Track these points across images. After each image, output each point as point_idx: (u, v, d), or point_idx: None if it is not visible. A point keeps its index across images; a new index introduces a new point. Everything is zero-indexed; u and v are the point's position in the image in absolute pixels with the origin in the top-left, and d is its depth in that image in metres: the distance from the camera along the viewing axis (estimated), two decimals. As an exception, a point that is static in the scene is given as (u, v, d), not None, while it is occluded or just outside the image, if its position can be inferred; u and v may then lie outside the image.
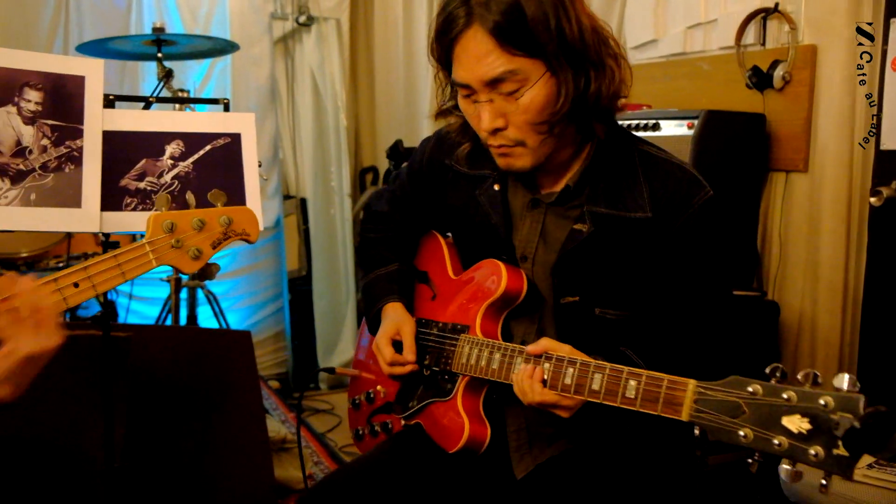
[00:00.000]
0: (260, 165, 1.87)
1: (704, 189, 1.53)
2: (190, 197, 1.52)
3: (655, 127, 2.74)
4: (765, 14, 2.77)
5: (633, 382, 1.33)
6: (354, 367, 2.02)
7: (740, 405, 1.19)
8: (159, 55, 3.05)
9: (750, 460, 1.19)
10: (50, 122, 1.75)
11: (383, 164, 4.59)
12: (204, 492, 2.38)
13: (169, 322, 3.40)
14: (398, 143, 3.81)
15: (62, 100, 1.76)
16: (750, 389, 1.19)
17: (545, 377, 1.44)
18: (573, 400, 1.42)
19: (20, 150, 1.72)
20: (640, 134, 2.76)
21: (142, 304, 4.06)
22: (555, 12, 1.40)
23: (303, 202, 4.67)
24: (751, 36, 2.82)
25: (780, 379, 1.18)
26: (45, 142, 1.74)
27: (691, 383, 1.26)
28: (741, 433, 1.18)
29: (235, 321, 4.26)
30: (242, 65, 4.25)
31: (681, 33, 3.12)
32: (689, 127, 2.63)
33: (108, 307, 1.94)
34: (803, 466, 1.13)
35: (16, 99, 1.72)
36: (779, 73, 2.69)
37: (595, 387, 1.38)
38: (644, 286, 1.55)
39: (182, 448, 2.38)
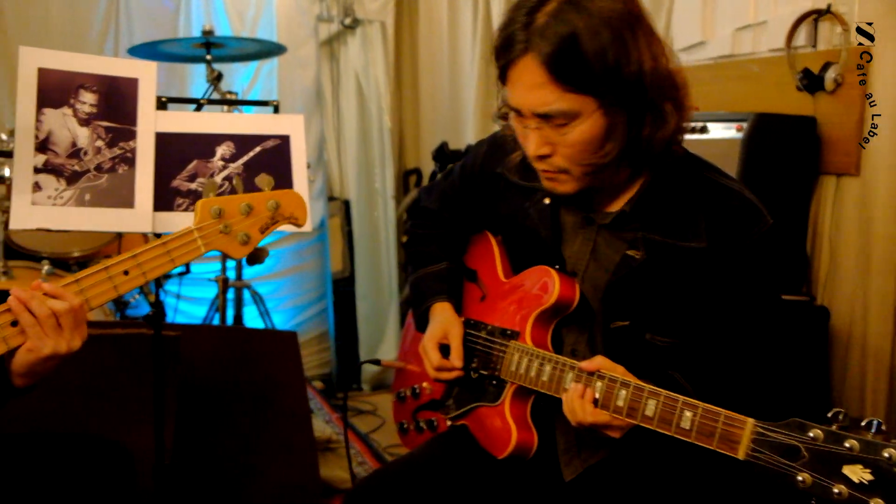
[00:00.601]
0: (309, 167, 1.89)
1: (763, 219, 1.49)
2: (237, 182, 1.52)
3: (703, 130, 2.70)
4: (816, 15, 2.72)
5: (688, 413, 1.32)
6: (401, 360, 2.02)
7: (800, 449, 1.18)
8: (208, 57, 3.08)
9: None
10: (104, 123, 1.78)
11: (427, 167, 4.60)
12: (250, 490, 2.41)
13: (216, 322, 3.44)
14: (444, 146, 3.81)
15: (116, 102, 1.79)
16: (811, 434, 1.18)
17: (597, 396, 1.43)
18: (624, 422, 1.40)
19: (75, 152, 1.75)
20: (686, 136, 2.74)
21: (189, 304, 4.12)
22: (615, 49, 1.36)
23: (346, 204, 4.70)
24: (801, 38, 2.78)
25: (842, 424, 1.16)
26: (99, 143, 1.77)
27: (749, 422, 1.25)
28: (799, 478, 1.17)
29: (280, 322, 4.30)
30: (288, 67, 4.29)
31: (729, 35, 3.08)
32: (738, 130, 2.59)
33: (159, 307, 1.97)
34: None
35: (71, 101, 1.76)
36: (830, 75, 2.64)
37: (648, 413, 1.36)
38: (696, 314, 1.53)
39: (229, 446, 2.41)
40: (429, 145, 4.49)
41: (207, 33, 3.07)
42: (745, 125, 2.58)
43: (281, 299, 4.41)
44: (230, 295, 3.54)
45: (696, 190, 1.52)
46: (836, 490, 1.13)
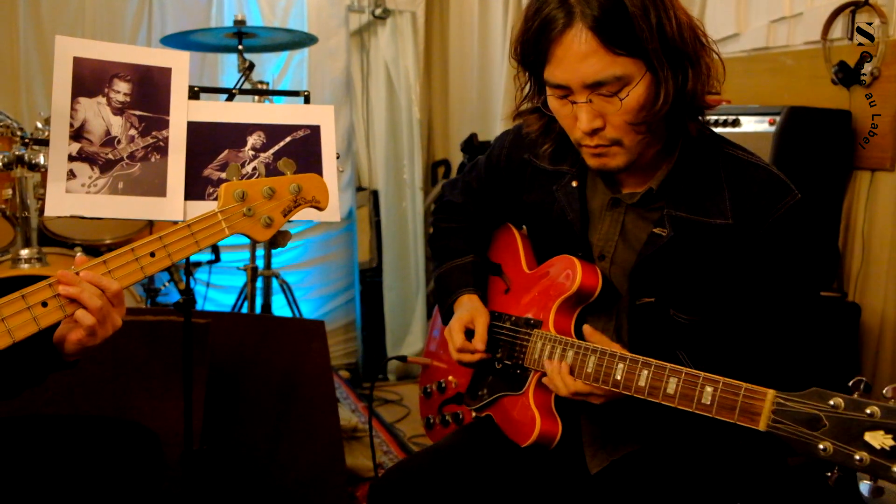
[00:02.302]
0: (338, 157, 1.89)
1: (791, 193, 1.49)
2: (259, 166, 1.54)
3: (735, 123, 2.68)
4: (854, 7, 2.68)
5: (709, 389, 1.31)
6: (426, 357, 2.03)
7: (821, 418, 1.17)
8: (240, 47, 3.10)
9: (829, 473, 1.17)
10: (137, 112, 1.79)
11: (456, 158, 4.59)
12: (276, 477, 2.43)
13: (244, 310, 3.47)
14: (473, 137, 3.80)
15: (149, 91, 1.80)
16: (832, 402, 1.17)
17: (589, 370, 1.48)
18: (607, 391, 1.45)
19: (109, 140, 1.77)
20: (718, 130, 2.72)
21: (218, 293, 4.16)
22: (654, 9, 1.38)
23: (375, 194, 4.71)
24: (838, 30, 2.74)
25: (863, 392, 1.16)
26: (132, 132, 1.78)
27: (770, 393, 1.24)
28: (821, 446, 1.16)
29: (307, 311, 4.33)
30: (319, 57, 4.30)
31: (764, 27, 3.05)
32: (771, 123, 2.57)
33: (189, 294, 1.99)
34: (885, 483, 1.11)
35: (106, 90, 1.77)
36: (867, 68, 2.61)
37: (670, 391, 1.36)
38: (723, 292, 1.53)
39: (256, 433, 2.43)
40: (458, 136, 4.49)
41: (239, 23, 3.08)
42: (777, 119, 2.55)
43: (309, 288, 4.43)
44: (259, 283, 3.56)
45: (720, 166, 1.53)
46: (857, 457, 1.13)
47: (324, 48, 4.24)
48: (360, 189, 4.66)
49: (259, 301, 3.58)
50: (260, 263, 3.59)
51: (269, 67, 4.27)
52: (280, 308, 3.82)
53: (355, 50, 4.58)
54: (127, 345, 2.13)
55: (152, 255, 1.40)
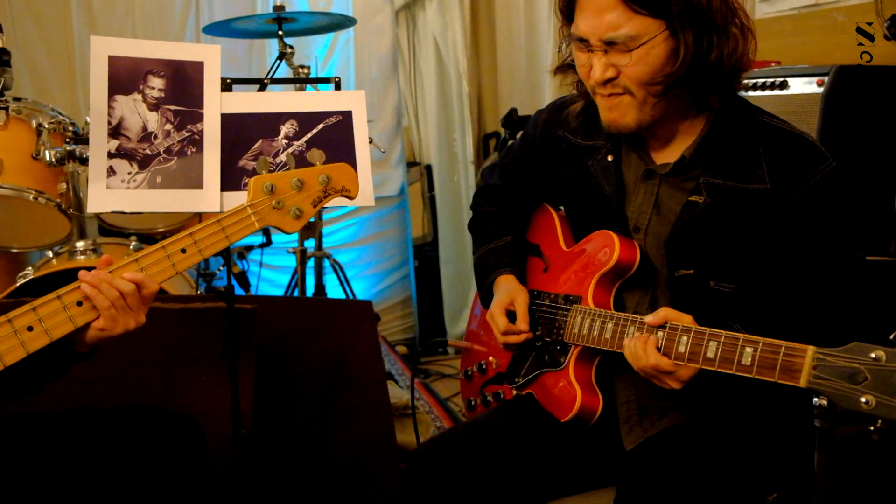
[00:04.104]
0: (371, 141, 1.91)
1: (826, 160, 1.48)
2: (288, 157, 1.56)
3: (783, 85, 2.60)
4: (906, -42, 2.57)
5: (749, 349, 1.31)
6: (467, 339, 2.05)
7: (862, 371, 1.17)
8: (280, 33, 3.14)
9: (872, 428, 1.17)
10: (172, 107, 1.84)
11: (505, 131, 4.57)
12: (328, 456, 2.48)
13: (297, 292, 3.53)
14: (513, 112, 3.79)
15: (183, 85, 1.85)
16: (873, 356, 1.16)
17: (659, 346, 1.43)
18: (687, 369, 1.40)
19: (146, 136, 1.82)
20: (766, 93, 2.65)
21: (273, 273, 4.23)
22: None
23: (428, 169, 4.72)
24: (891, -18, 2.63)
25: None
26: (168, 126, 1.83)
27: (810, 349, 1.24)
28: (863, 399, 1.16)
29: (362, 289, 4.37)
30: (364, 36, 4.31)
31: (814, -18, 2.95)
32: (819, 84, 2.49)
33: (241, 278, 2.03)
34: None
35: (141, 86, 1.82)
36: (921, 22, 2.50)
37: (710, 354, 1.36)
38: (761, 259, 1.52)
39: (306, 414, 2.48)
40: (507, 108, 4.46)
41: (279, 8, 3.12)
42: (825, 79, 2.47)
43: (363, 266, 4.48)
44: (311, 264, 3.60)
45: (754, 133, 1.52)
46: None
47: (369, 26, 4.24)
48: (412, 164, 4.67)
49: (311, 281, 3.63)
50: (311, 244, 3.63)
51: (316, 49, 4.29)
52: (333, 288, 3.87)
53: (403, 25, 4.57)
54: (177, 332, 2.19)
55: (183, 251, 1.44)
